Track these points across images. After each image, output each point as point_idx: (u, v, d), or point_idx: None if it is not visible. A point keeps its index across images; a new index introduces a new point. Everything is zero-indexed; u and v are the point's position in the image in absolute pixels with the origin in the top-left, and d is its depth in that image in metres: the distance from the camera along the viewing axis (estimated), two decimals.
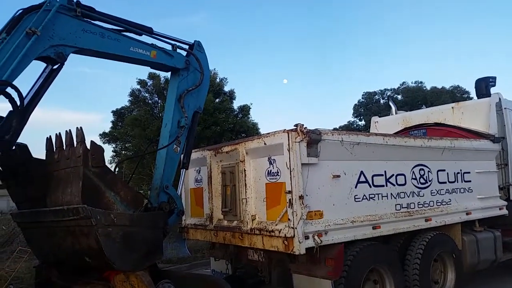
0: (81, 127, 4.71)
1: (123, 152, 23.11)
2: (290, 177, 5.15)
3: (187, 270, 10.12)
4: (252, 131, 21.43)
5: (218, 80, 21.70)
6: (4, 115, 4.33)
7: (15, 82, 4.23)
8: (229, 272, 7.02)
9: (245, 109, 22.39)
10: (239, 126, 21.27)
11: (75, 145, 4.77)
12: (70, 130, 4.91)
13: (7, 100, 4.22)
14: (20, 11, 4.44)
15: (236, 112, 22.24)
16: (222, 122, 19.87)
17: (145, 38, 5.51)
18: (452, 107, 9.12)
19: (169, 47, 5.75)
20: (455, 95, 39.81)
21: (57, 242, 4.99)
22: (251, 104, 23.01)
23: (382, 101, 45.30)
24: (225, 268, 7.11)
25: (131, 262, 4.67)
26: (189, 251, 11.74)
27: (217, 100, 21.04)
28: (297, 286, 5.69)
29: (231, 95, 22.28)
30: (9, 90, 4.21)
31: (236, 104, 22.41)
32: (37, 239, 5.48)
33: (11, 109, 4.29)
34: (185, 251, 11.35)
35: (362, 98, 47.32)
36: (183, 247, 11.17)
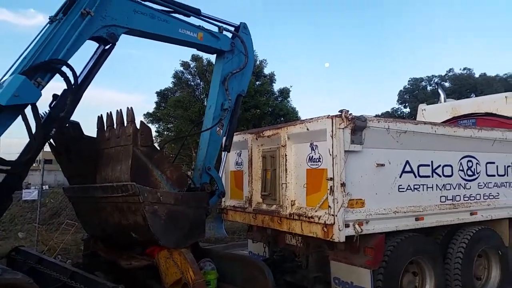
0: (131, 107, 4.84)
1: (165, 132, 23.64)
2: (332, 164, 5.09)
3: (224, 250, 10.32)
4: (291, 114, 21.29)
5: (258, 62, 21.58)
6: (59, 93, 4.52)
7: (69, 61, 4.39)
8: (266, 255, 7.10)
9: (284, 92, 22.22)
10: (279, 109, 21.18)
11: (125, 124, 4.92)
12: (120, 109, 5.06)
13: (62, 78, 4.39)
14: None
15: (276, 95, 22.12)
16: (262, 105, 19.82)
17: (192, 20, 5.54)
18: (506, 97, 8.68)
19: (215, 29, 5.76)
20: (510, 83, 37.63)
21: (105, 217, 5.21)
22: (290, 86, 22.78)
23: (429, 88, 43.65)
24: (263, 251, 7.19)
25: (175, 239, 4.81)
26: (226, 232, 11.95)
27: (257, 82, 20.98)
28: (335, 273, 5.69)
29: (271, 78, 22.13)
30: (64, 69, 4.38)
31: (276, 87, 22.28)
32: (86, 213, 5.74)
33: (66, 87, 4.46)
34: (223, 232, 11.50)
35: (408, 84, 45.78)
36: (220, 228, 11.33)
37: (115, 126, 5.14)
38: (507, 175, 7.05)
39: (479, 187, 6.65)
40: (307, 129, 5.56)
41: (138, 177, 4.58)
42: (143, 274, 5.34)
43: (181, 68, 22.11)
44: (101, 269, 5.54)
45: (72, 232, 10.35)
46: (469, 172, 6.54)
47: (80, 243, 8.77)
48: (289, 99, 22.51)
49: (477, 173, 6.64)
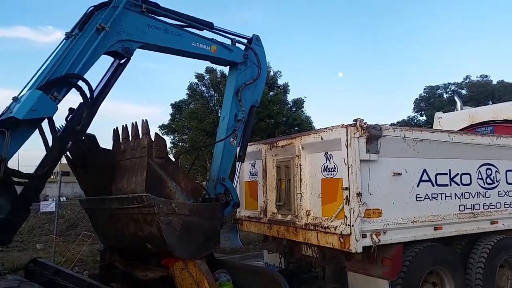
0: (146, 120, 4.89)
1: (180, 143, 23.88)
2: (348, 174, 5.05)
3: (239, 261, 10.27)
4: (305, 124, 21.31)
5: (272, 73, 21.72)
6: (75, 107, 4.60)
7: (85, 76, 4.48)
8: (282, 266, 7.03)
9: (298, 102, 22.30)
10: (293, 119, 21.23)
11: (140, 136, 4.97)
12: (136, 122, 5.12)
13: (78, 92, 4.47)
14: (91, 8, 4.67)
15: (290, 105, 22.18)
16: (276, 115, 19.92)
17: (205, 33, 5.61)
18: None
19: (228, 42, 5.82)
20: None
21: (121, 228, 5.24)
22: (304, 97, 22.93)
23: (445, 95, 43.21)
24: (278, 261, 7.13)
25: (190, 250, 4.80)
26: (241, 243, 11.91)
27: (271, 93, 21.08)
28: (352, 284, 5.59)
29: (285, 88, 22.24)
30: (80, 83, 4.46)
31: (290, 97, 22.35)
32: (102, 225, 5.78)
33: (82, 101, 4.54)
34: (238, 242, 11.45)
35: (424, 92, 45.43)
36: (235, 238, 11.28)
37: (130, 138, 5.19)
38: None
39: (499, 195, 6.51)
40: (322, 138, 5.53)
41: (153, 189, 4.60)
42: (159, 285, 5.33)
43: (196, 80, 22.42)
44: (117, 280, 5.56)
45: (89, 244, 10.44)
46: (489, 180, 6.41)
47: (96, 254, 8.83)
48: (303, 108, 22.56)
49: (497, 181, 6.50)
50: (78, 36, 4.47)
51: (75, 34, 4.49)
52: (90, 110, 4.55)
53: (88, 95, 4.51)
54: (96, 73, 4.76)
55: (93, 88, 4.61)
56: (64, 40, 4.55)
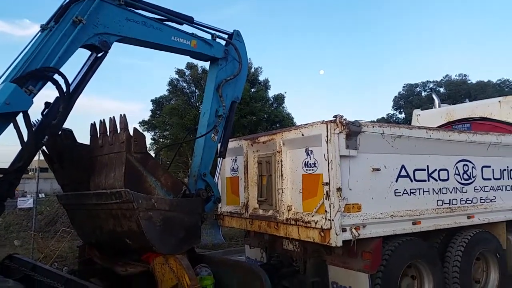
0: (124, 114, 4.83)
1: (161, 140, 23.66)
2: (328, 169, 5.08)
3: (221, 256, 10.26)
4: (286, 121, 21.37)
5: (253, 69, 21.69)
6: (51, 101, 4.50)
7: (61, 69, 4.38)
8: (264, 260, 7.08)
9: (279, 98, 22.34)
10: (274, 116, 21.25)
11: (118, 131, 4.90)
12: (114, 116, 5.04)
13: (54, 86, 4.37)
14: (68, 0, 4.56)
15: (271, 102, 22.20)
16: (257, 111, 19.89)
17: (185, 28, 5.55)
18: (500, 101, 8.73)
19: (208, 37, 5.77)
20: (503, 89, 37.98)
21: (99, 224, 5.18)
22: (285, 93, 22.93)
23: (423, 93, 43.93)
24: (260, 256, 7.17)
25: (170, 245, 4.78)
26: (223, 238, 11.91)
27: (252, 89, 21.06)
28: (333, 278, 5.65)
29: (266, 85, 22.24)
30: (56, 77, 4.36)
31: (270, 94, 22.38)
32: (80, 221, 5.70)
33: (58, 95, 4.44)
34: (220, 238, 11.46)
35: (403, 90, 46.06)
36: (218, 234, 11.28)
37: (108, 133, 5.11)
38: (503, 179, 7.06)
39: (476, 190, 6.65)
40: (302, 134, 5.55)
41: (132, 184, 4.56)
42: (139, 281, 5.31)
43: (176, 76, 22.20)
44: (97, 276, 5.52)
45: (68, 240, 10.31)
46: (465, 176, 6.55)
47: (76, 250, 8.71)
48: (284, 105, 22.64)
49: (473, 177, 6.65)
50: (54, 28, 4.35)
51: (51, 27, 4.37)
52: (67, 104, 4.44)
53: (65, 89, 4.40)
54: (72, 67, 4.67)
55: (70, 82, 4.50)
56: (40, 33, 4.43)
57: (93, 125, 5.43)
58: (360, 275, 5.29)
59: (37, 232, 10.52)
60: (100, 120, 5.31)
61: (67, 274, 5.13)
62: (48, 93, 4.52)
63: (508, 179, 7.12)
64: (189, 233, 5.01)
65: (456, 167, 6.43)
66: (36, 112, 4.45)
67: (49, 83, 4.33)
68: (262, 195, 6.19)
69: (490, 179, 6.87)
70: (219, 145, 5.96)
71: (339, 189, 5.03)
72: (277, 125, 20.55)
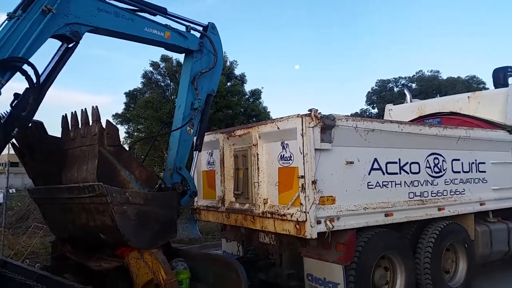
0: (96, 106, 4.72)
1: (135, 133, 23.31)
2: (303, 162, 5.12)
3: (198, 251, 10.23)
4: (263, 115, 21.43)
5: (228, 63, 21.60)
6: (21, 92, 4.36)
7: (31, 60, 4.24)
8: (240, 254, 7.10)
9: (256, 93, 22.39)
10: (251, 110, 21.27)
11: (90, 123, 4.79)
12: (85, 108, 4.92)
13: (24, 77, 4.24)
14: None
15: (247, 96, 22.20)
16: (234, 105, 19.86)
17: (159, 19, 5.46)
18: (468, 97, 8.96)
19: (183, 29, 5.70)
20: (471, 85, 39.15)
21: (72, 219, 5.07)
22: (262, 88, 22.98)
23: (396, 89, 44.81)
24: (236, 249, 7.19)
25: (145, 240, 4.72)
26: (200, 233, 11.86)
27: (228, 83, 20.99)
28: (308, 270, 5.73)
29: (242, 79, 22.21)
30: (25, 67, 4.22)
31: (247, 88, 22.37)
32: (52, 215, 5.57)
33: (27, 86, 4.31)
34: (196, 232, 11.41)
35: (376, 85, 46.85)
36: (194, 228, 11.23)
37: (80, 125, 5.00)
38: (472, 172, 7.27)
39: (446, 183, 6.83)
40: (278, 128, 5.57)
41: (105, 178, 4.47)
42: (113, 276, 5.23)
43: (151, 69, 21.88)
44: (70, 271, 5.42)
45: (40, 236, 10.05)
46: (436, 169, 6.71)
47: (49, 246, 8.51)
48: (260, 100, 22.67)
49: (444, 170, 6.82)
50: (22, 17, 4.19)
51: (19, 15, 4.21)
52: (37, 96, 4.32)
53: (34, 80, 4.27)
54: (42, 57, 4.54)
55: (40, 73, 4.37)
56: (6, 21, 4.27)
57: (64, 117, 5.28)
58: (334, 267, 5.38)
59: (7, 228, 10.23)
60: (72, 112, 5.17)
61: (40, 270, 5.00)
62: (15, 86, 4.37)
63: (476, 172, 7.33)
64: (165, 227, 4.96)
65: (427, 160, 6.58)
66: (4, 103, 4.32)
67: (18, 74, 4.20)
68: (238, 189, 6.20)
69: (459, 172, 7.06)
70: (194, 138, 5.92)
71: (314, 182, 5.09)
72: (254, 119, 20.58)
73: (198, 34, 5.88)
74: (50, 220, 5.79)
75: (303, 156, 5.12)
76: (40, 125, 5.12)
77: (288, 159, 5.44)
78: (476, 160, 7.34)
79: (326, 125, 5.23)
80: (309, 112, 5.20)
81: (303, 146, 5.13)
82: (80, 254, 5.44)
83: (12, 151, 5.26)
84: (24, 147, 5.07)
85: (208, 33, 5.93)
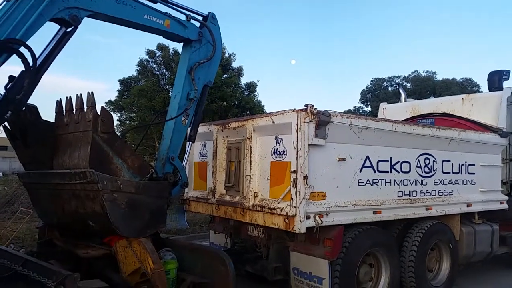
0: (92, 92, 4.68)
1: (128, 122, 23.21)
2: (296, 157, 5.15)
3: (185, 241, 10.25)
4: (257, 108, 21.44)
5: (226, 55, 21.54)
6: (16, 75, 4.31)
7: (28, 42, 4.20)
8: (228, 246, 7.13)
9: (251, 86, 22.36)
10: (245, 102, 21.25)
11: (85, 109, 4.77)
12: (81, 94, 4.90)
13: (20, 59, 4.19)
14: None
15: (243, 89, 22.17)
16: (229, 97, 19.83)
17: (159, 7, 5.42)
18: (463, 99, 9.03)
19: (183, 17, 5.66)
20: (465, 87, 39.51)
21: (61, 205, 5.05)
22: (257, 81, 22.94)
23: (390, 88, 45.05)
24: (224, 241, 7.21)
25: (134, 229, 4.72)
26: (187, 223, 11.89)
27: (225, 75, 20.93)
28: (294, 264, 5.78)
29: (239, 71, 22.17)
30: (22, 50, 4.18)
31: (243, 81, 22.33)
32: (42, 200, 5.54)
33: (23, 69, 4.27)
34: (184, 223, 11.47)
35: (371, 84, 47.04)
36: (182, 219, 11.28)
37: (74, 111, 4.96)
38: (461, 173, 7.36)
39: (435, 183, 6.91)
40: (273, 122, 5.59)
41: (97, 165, 4.45)
42: (101, 264, 5.23)
43: (147, 57, 21.73)
44: (57, 258, 5.36)
45: (26, 221, 9.97)
46: (426, 169, 6.78)
47: (35, 232, 8.46)
48: (256, 93, 22.65)
49: (434, 170, 6.89)
50: None
51: None
52: (32, 79, 4.26)
53: (31, 63, 4.23)
54: (39, 41, 4.48)
55: (37, 56, 4.32)
56: (5, 2, 4.22)
57: (59, 102, 5.24)
58: (320, 262, 5.43)
59: None
60: (67, 97, 5.13)
61: (26, 255, 4.97)
62: (10, 69, 4.32)
63: (466, 173, 7.43)
64: (155, 216, 4.96)
65: (418, 160, 6.65)
66: None
67: (14, 57, 4.15)
68: (229, 181, 6.21)
69: (449, 173, 7.14)
70: (189, 129, 5.91)
71: (305, 177, 5.12)
72: (248, 112, 20.57)
73: (197, 24, 5.85)
74: (39, 205, 5.77)
75: (297, 151, 5.15)
76: (34, 108, 5.07)
77: (282, 153, 5.47)
78: (466, 162, 7.43)
79: (321, 121, 5.25)
80: (305, 107, 5.21)
81: (297, 141, 5.15)
82: (68, 241, 5.42)
83: (0, 135, 5.20)
84: (16, 131, 5.02)
85: (208, 23, 5.89)
